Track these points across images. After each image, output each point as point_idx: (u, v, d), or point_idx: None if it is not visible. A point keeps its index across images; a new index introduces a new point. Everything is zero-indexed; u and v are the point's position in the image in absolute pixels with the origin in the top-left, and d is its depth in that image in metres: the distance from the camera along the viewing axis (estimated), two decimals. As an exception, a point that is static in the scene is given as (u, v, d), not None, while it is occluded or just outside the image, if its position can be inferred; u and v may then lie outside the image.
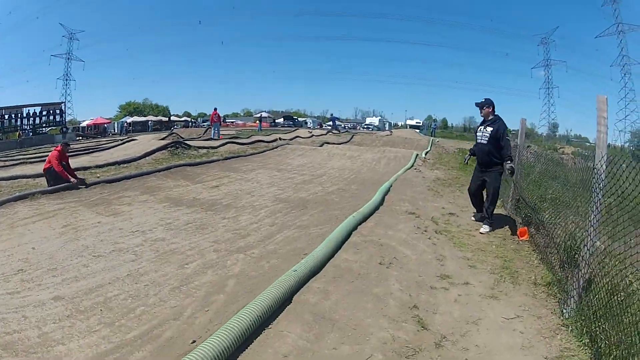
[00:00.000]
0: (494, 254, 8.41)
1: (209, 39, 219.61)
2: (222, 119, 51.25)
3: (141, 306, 5.91)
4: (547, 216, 8.93)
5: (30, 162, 22.17)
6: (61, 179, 13.57)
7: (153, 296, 6.22)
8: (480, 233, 9.79)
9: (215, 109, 38.38)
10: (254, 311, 5.00)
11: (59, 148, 14.42)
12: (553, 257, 7.42)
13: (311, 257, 7.01)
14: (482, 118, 10.56)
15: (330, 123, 75.96)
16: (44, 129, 60.52)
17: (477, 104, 10.44)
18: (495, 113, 10.29)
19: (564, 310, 5.79)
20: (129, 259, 7.66)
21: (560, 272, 6.78)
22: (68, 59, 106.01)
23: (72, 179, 13.68)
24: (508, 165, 9.90)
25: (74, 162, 18.40)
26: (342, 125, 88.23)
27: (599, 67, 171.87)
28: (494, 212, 10.42)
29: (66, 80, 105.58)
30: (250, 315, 4.91)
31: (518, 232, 9.58)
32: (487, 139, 10.21)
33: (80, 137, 61.14)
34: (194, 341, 4.89)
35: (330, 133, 53.90)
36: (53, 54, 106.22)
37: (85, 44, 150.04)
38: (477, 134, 10.61)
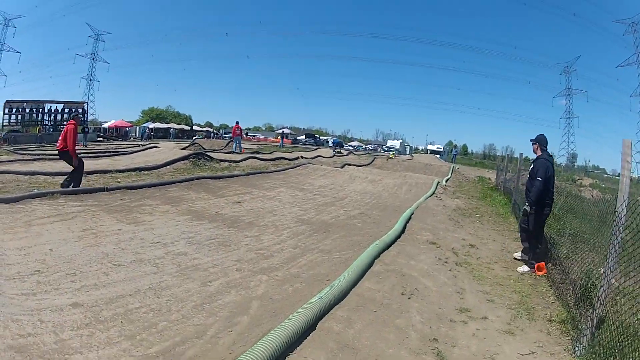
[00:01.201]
0: (512, 288, 8.44)
1: (234, 52, 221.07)
2: (243, 133, 51.25)
3: (163, 321, 5.87)
4: (564, 251, 9.03)
5: (50, 159, 22.38)
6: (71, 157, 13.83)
7: (175, 312, 6.18)
8: (518, 271, 9.71)
9: (237, 123, 38.50)
10: (280, 336, 4.98)
11: (73, 122, 14.88)
12: (568, 294, 7.50)
13: (335, 284, 6.99)
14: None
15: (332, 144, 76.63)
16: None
17: (530, 140, 10.32)
18: (545, 150, 10.08)
19: (577, 348, 5.86)
20: (150, 271, 7.64)
21: (574, 309, 6.87)
22: (93, 59, 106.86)
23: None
24: (525, 207, 9.93)
25: (94, 164, 18.53)
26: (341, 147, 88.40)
27: (619, 97, 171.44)
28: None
29: (90, 80, 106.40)
30: (277, 339, 4.88)
31: (535, 267, 9.51)
32: (529, 176, 10.12)
33: (101, 138, 61.65)
34: None
35: (351, 153, 54.05)
36: (78, 53, 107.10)
37: (111, 47, 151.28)
38: None
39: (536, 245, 9.98)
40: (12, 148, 33.76)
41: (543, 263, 9.48)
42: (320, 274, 8.22)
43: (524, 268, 9.74)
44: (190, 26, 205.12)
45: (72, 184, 14.07)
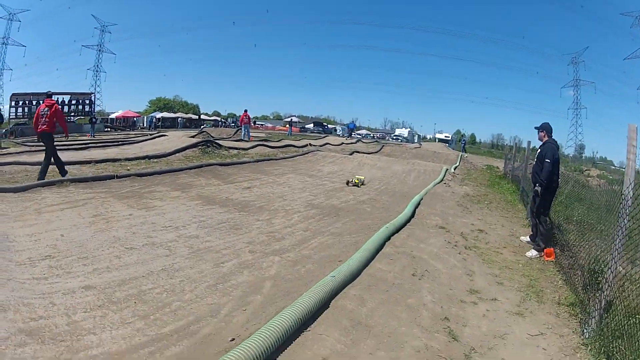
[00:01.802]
0: (521, 272, 8.48)
1: (241, 41, 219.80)
2: (251, 121, 51.12)
3: (177, 301, 5.93)
4: (572, 238, 9.09)
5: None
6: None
7: (189, 292, 6.24)
8: (527, 256, 9.78)
9: (246, 111, 38.32)
10: (295, 313, 5.02)
11: (54, 101, 14.94)
12: (577, 279, 7.56)
13: (347, 264, 7.05)
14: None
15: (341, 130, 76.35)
16: (72, 117, 61.31)
17: (535, 128, 10.46)
18: (551, 137, 10.25)
19: (585, 330, 5.97)
20: (162, 254, 7.69)
21: (582, 293, 6.94)
22: (99, 50, 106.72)
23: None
24: (535, 188, 10.08)
25: (103, 154, 18.60)
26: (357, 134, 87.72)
27: (626, 90, 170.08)
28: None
29: (96, 71, 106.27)
30: (292, 316, 4.93)
31: (544, 253, 9.55)
32: (536, 160, 10.30)
33: (109, 129, 61.82)
34: (233, 339, 4.91)
35: (359, 141, 53.83)
36: (84, 45, 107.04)
37: (117, 38, 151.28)
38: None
39: (543, 227, 10.03)
40: (19, 140, 33.84)
41: (552, 249, 9.52)
42: (332, 255, 8.28)
43: (533, 252, 9.80)
44: (197, 15, 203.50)
45: (62, 170, 14.18)
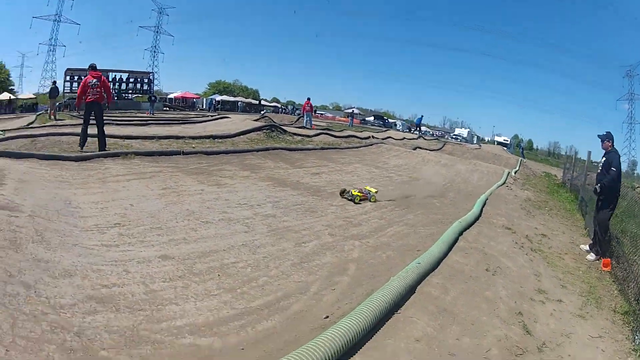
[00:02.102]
0: (581, 278, 8.59)
1: (303, 30, 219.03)
2: (313, 110, 51.11)
3: (263, 277, 6.03)
4: (626, 251, 9.24)
5: (116, 124, 22.64)
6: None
7: (274, 269, 6.35)
8: (587, 259, 9.94)
9: (308, 99, 38.09)
10: (387, 295, 5.13)
11: (99, 72, 14.75)
12: (630, 290, 7.76)
13: (430, 253, 7.20)
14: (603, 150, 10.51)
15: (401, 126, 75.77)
16: (130, 95, 62.44)
17: (599, 136, 10.49)
18: (614, 146, 10.27)
19: (636, 337, 6.26)
20: (241, 230, 7.82)
21: (635, 304, 7.20)
22: (157, 32, 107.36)
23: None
24: (596, 186, 10.16)
25: (165, 131, 18.98)
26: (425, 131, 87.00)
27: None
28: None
29: (154, 52, 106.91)
30: (385, 298, 5.03)
31: (602, 263, 9.63)
32: (601, 168, 10.33)
33: (167, 108, 62.45)
34: (327, 317, 5.00)
35: (421, 137, 53.30)
36: (141, 26, 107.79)
37: (175, 20, 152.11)
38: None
39: (603, 237, 10.01)
40: (75, 114, 34.46)
41: (609, 260, 9.59)
42: (410, 245, 8.40)
43: (592, 256, 10.01)
44: (258, 2, 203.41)
45: (103, 144, 14.09)
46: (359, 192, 11.96)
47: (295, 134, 25.93)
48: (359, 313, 4.54)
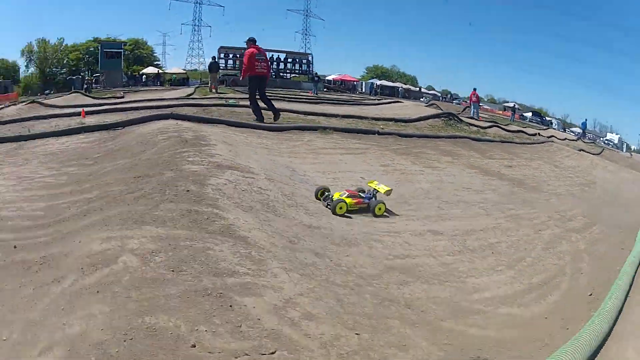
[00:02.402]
0: None
1: (455, 18, 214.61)
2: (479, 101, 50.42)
3: (527, 257, 6.40)
4: None
5: (287, 101, 23.94)
6: None
7: (532, 250, 6.72)
8: None
9: (475, 90, 38.18)
10: (628, 281, 5.43)
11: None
12: None
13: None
14: None
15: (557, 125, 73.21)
16: (288, 74, 64.82)
17: None
18: None
19: None
20: (480, 213, 8.24)
21: None
22: (306, 15, 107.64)
23: None
24: None
25: (341, 110, 20.41)
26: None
27: None
28: None
29: (305, 35, 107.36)
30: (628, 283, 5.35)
31: None
32: None
33: (327, 89, 63.44)
34: (591, 294, 5.30)
35: (580, 140, 51.56)
36: (289, 9, 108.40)
37: (325, 3, 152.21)
38: None
39: None
40: (237, 88, 35.38)
41: None
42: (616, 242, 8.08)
43: None
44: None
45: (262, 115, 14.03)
46: (348, 196, 7.18)
47: (470, 124, 25.87)
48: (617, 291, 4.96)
